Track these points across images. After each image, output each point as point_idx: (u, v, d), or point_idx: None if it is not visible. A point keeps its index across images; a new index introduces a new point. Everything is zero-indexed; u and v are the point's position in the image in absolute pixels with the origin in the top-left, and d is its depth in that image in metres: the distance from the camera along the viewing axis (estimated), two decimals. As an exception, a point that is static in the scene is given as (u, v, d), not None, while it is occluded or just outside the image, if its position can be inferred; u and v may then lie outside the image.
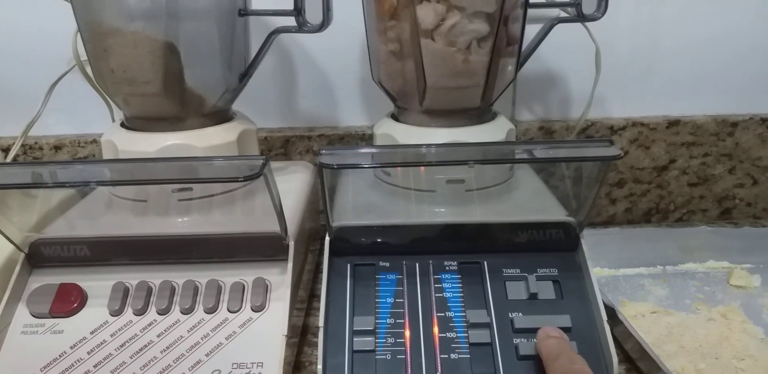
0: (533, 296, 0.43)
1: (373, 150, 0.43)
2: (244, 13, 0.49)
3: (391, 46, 0.48)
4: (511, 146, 0.44)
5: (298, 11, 0.47)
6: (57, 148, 0.67)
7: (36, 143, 0.66)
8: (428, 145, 0.42)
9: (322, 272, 0.45)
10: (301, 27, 0.48)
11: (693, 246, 0.59)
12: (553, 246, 0.46)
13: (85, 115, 0.67)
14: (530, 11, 0.49)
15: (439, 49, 0.46)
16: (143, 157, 0.44)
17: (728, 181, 0.70)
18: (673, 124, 0.67)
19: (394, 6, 0.46)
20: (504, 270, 0.45)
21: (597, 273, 0.57)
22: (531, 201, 0.50)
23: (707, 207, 0.71)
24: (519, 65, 0.51)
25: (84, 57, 0.50)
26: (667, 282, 0.56)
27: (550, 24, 0.53)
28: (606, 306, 0.44)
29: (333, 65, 0.67)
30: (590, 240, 0.46)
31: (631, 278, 0.56)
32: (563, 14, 0.55)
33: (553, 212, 0.48)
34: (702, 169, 0.69)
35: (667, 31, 0.66)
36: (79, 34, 0.49)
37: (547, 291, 0.44)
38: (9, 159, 0.61)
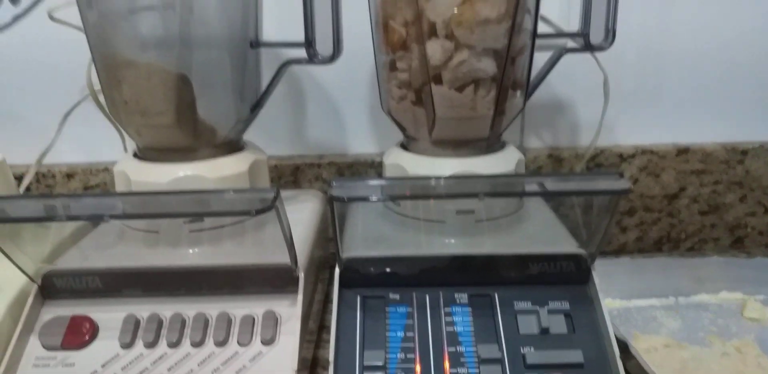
0: (545, 330, 0.43)
1: (383, 182, 0.43)
2: (256, 44, 0.50)
3: (400, 79, 0.49)
4: (521, 178, 0.44)
5: (309, 43, 0.48)
6: (69, 176, 0.67)
7: (49, 171, 0.67)
8: (437, 177, 0.42)
9: (331, 302, 0.45)
10: (312, 59, 0.49)
11: (705, 277, 0.58)
12: (564, 278, 0.46)
13: (98, 142, 0.68)
14: (538, 41, 0.50)
15: (446, 90, 0.46)
16: (155, 189, 0.45)
17: (740, 209, 0.70)
18: (683, 151, 0.67)
19: (403, 39, 0.47)
20: (515, 302, 0.45)
21: (609, 304, 0.56)
22: (541, 232, 0.50)
23: (719, 235, 0.71)
24: (527, 96, 0.52)
25: (98, 86, 0.51)
26: (679, 314, 0.55)
27: (558, 54, 0.53)
28: (618, 340, 0.43)
29: (343, 93, 0.67)
30: (601, 271, 0.46)
31: (644, 309, 0.56)
32: (571, 44, 0.55)
33: (564, 244, 0.48)
34: (713, 197, 0.69)
35: (674, 58, 0.66)
36: (93, 64, 0.50)
37: (558, 325, 0.44)
38: (23, 187, 0.61)
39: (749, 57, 0.66)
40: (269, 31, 0.54)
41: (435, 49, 0.45)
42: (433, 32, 0.45)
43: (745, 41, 0.66)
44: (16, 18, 0.64)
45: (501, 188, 0.42)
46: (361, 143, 0.70)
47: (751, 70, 0.67)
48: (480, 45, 0.45)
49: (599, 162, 0.68)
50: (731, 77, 0.67)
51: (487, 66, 0.46)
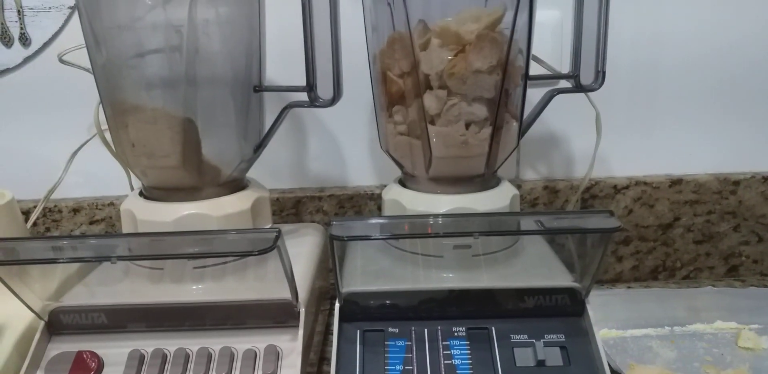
0: (541, 363, 0.44)
1: (382, 220, 0.44)
2: (259, 89, 0.52)
3: (397, 125, 0.51)
4: (515, 216, 0.46)
5: (310, 87, 0.50)
6: (75, 210, 0.69)
7: (55, 206, 0.68)
8: (435, 216, 0.43)
9: (332, 334, 0.46)
10: (313, 102, 0.50)
11: (700, 307, 0.59)
12: (559, 311, 0.47)
13: (104, 177, 0.69)
14: (531, 81, 0.52)
15: (442, 130, 0.48)
16: (161, 228, 0.46)
17: (733, 238, 0.71)
18: (676, 182, 0.69)
19: (402, 92, 0.49)
20: (512, 336, 0.46)
21: (605, 334, 0.57)
22: (537, 266, 0.51)
23: (714, 264, 0.72)
24: (521, 134, 0.53)
25: (105, 126, 0.53)
26: (675, 344, 0.56)
27: (550, 95, 0.55)
28: (613, 371, 0.44)
29: (343, 129, 0.69)
30: (597, 301, 0.47)
31: (639, 339, 0.57)
32: (563, 83, 0.57)
33: (559, 277, 0.49)
34: (707, 226, 0.70)
35: (666, 92, 0.68)
36: (101, 105, 0.51)
37: (554, 357, 0.44)
38: (30, 222, 0.63)
39: (738, 91, 0.68)
40: (272, 74, 0.56)
41: (431, 101, 0.47)
42: (428, 84, 0.48)
43: (734, 77, 0.68)
44: (27, 59, 0.66)
45: (496, 226, 0.44)
46: (360, 176, 0.71)
47: (741, 102, 0.69)
48: (471, 94, 0.47)
49: (594, 193, 0.69)
50: (721, 110, 0.69)
51: (479, 110, 0.48)
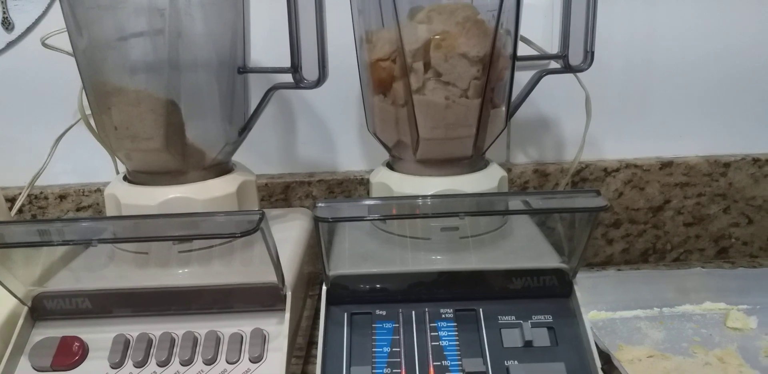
0: (528, 343, 0.44)
1: (368, 202, 0.44)
2: (244, 70, 0.51)
3: (384, 105, 0.50)
4: (502, 197, 0.45)
5: (295, 69, 0.49)
6: (62, 197, 0.68)
7: (41, 193, 0.68)
8: (423, 197, 0.43)
9: (320, 318, 0.46)
10: (298, 84, 0.50)
11: (689, 288, 0.59)
12: (547, 292, 0.47)
13: (90, 163, 0.69)
14: (519, 62, 0.51)
15: (426, 98, 0.48)
16: (145, 212, 0.46)
17: (723, 220, 0.71)
18: (666, 165, 0.69)
19: (389, 76, 0.48)
20: (499, 317, 0.46)
21: (594, 316, 0.57)
22: (525, 247, 0.51)
23: (704, 246, 0.72)
24: (509, 115, 0.53)
25: (89, 111, 0.52)
26: (663, 325, 0.56)
27: (539, 75, 0.54)
28: (601, 352, 0.44)
29: (331, 112, 0.69)
30: (587, 283, 0.47)
31: (628, 321, 0.57)
32: (553, 64, 0.56)
33: (547, 259, 0.49)
34: (697, 209, 0.70)
35: (657, 72, 0.68)
36: (84, 89, 0.51)
37: (542, 338, 0.44)
38: (15, 209, 0.62)
39: (730, 73, 0.68)
40: (256, 56, 0.55)
41: (418, 78, 0.47)
42: (414, 62, 0.47)
43: (726, 57, 0.67)
44: (10, 44, 0.65)
45: (483, 206, 0.43)
46: (350, 161, 0.71)
47: (732, 84, 0.68)
48: (449, 76, 0.47)
49: (584, 176, 0.69)
50: (712, 92, 0.69)
51: (466, 85, 0.47)
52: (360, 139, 0.70)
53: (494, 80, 0.49)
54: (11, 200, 0.65)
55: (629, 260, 0.72)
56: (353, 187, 0.70)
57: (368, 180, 0.67)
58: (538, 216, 0.55)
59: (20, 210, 0.65)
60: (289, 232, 0.57)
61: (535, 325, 0.45)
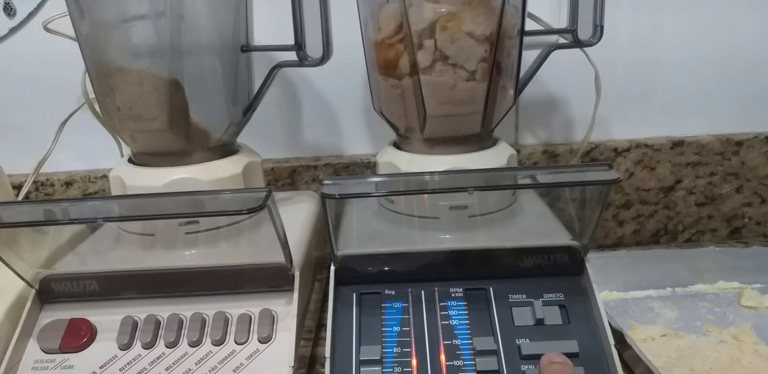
0: (540, 322, 0.43)
1: (375, 179, 0.43)
2: (247, 49, 0.50)
3: (390, 82, 0.49)
4: (511, 172, 0.44)
5: (299, 46, 0.48)
6: (68, 183, 0.68)
7: (48, 180, 0.68)
8: (430, 173, 0.42)
9: (329, 299, 0.45)
10: (302, 61, 0.49)
11: (702, 267, 0.59)
12: (558, 270, 0.46)
13: (96, 150, 0.68)
14: (527, 38, 0.50)
15: (434, 79, 0.47)
16: (150, 192, 0.45)
17: (736, 200, 0.70)
18: (677, 144, 0.68)
19: (398, 55, 0.48)
20: (510, 295, 0.45)
21: (606, 296, 0.56)
22: (535, 225, 0.51)
23: (716, 226, 0.71)
24: (517, 92, 0.52)
25: (93, 95, 0.52)
26: (676, 304, 0.55)
27: (547, 50, 0.53)
28: (614, 330, 0.43)
29: (336, 95, 0.68)
30: (598, 263, 0.46)
31: (640, 301, 0.56)
32: (560, 40, 0.55)
33: (558, 236, 0.48)
34: (709, 188, 0.69)
35: (666, 50, 0.66)
36: (87, 73, 0.50)
37: (553, 316, 0.44)
38: (21, 196, 0.62)
39: (741, 50, 0.66)
40: (260, 35, 0.54)
41: (426, 57, 0.46)
42: (420, 44, 0.47)
43: (737, 35, 0.66)
44: (12, 30, 0.65)
45: (491, 182, 0.43)
46: (356, 144, 0.70)
47: (744, 62, 0.67)
48: (456, 58, 0.46)
49: (594, 156, 0.68)
50: (723, 69, 0.67)
51: (472, 66, 0.46)
52: (366, 122, 0.69)
53: (502, 58, 0.48)
54: (18, 187, 0.65)
55: (640, 241, 0.71)
56: (360, 170, 0.69)
57: (375, 163, 0.66)
58: (548, 194, 0.54)
59: (26, 197, 0.65)
60: (297, 214, 0.56)
61: (546, 303, 0.44)
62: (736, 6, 0.65)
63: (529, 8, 0.50)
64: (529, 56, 0.54)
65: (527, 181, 0.44)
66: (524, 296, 0.45)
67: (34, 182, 0.64)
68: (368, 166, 0.69)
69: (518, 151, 0.67)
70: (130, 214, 0.40)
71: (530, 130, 0.70)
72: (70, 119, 0.61)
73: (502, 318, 0.44)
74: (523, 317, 0.44)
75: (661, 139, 0.68)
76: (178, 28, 0.47)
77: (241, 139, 0.56)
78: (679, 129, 0.69)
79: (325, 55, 0.49)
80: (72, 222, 0.39)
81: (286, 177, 0.69)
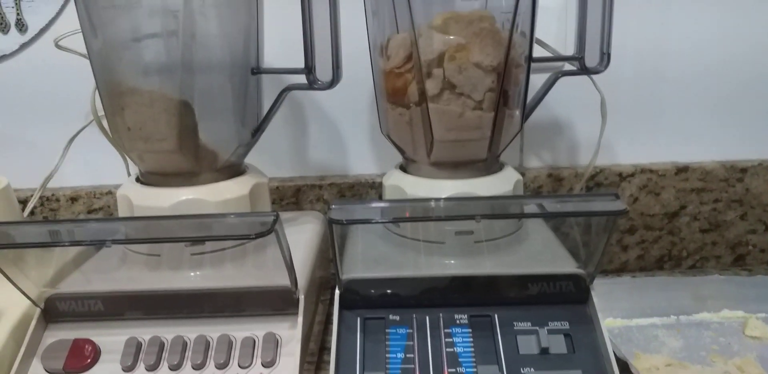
0: (545, 351, 0.43)
1: (382, 204, 0.43)
2: (257, 71, 0.51)
3: (398, 110, 0.50)
4: (518, 200, 0.45)
5: (309, 70, 0.49)
6: (73, 199, 0.68)
7: (53, 195, 0.68)
8: (436, 199, 0.42)
9: (332, 324, 0.45)
10: (312, 85, 0.49)
11: (706, 295, 0.58)
12: (563, 298, 0.46)
13: (101, 166, 0.69)
14: (535, 64, 0.51)
15: (443, 113, 0.48)
16: (158, 213, 0.45)
17: (740, 227, 0.70)
18: (682, 170, 0.68)
19: (407, 84, 0.48)
20: (515, 323, 0.45)
21: (610, 323, 0.56)
22: (540, 252, 0.51)
23: (720, 253, 0.71)
24: (524, 118, 0.52)
25: (101, 112, 0.52)
26: (681, 333, 0.55)
27: (554, 77, 0.54)
28: (618, 360, 0.43)
29: (343, 115, 0.68)
30: (602, 290, 0.46)
31: (645, 329, 0.56)
32: (567, 66, 0.56)
33: (563, 264, 0.48)
34: (713, 215, 0.69)
35: (672, 78, 0.67)
36: (97, 90, 0.51)
37: (558, 345, 0.44)
38: (27, 211, 0.62)
39: (746, 76, 0.67)
40: (270, 57, 0.55)
41: (434, 85, 0.47)
42: (429, 73, 0.47)
43: (741, 60, 0.66)
44: (23, 45, 0.65)
45: (498, 209, 0.43)
46: (361, 164, 0.70)
47: (749, 88, 0.67)
48: (463, 88, 0.46)
49: (599, 181, 0.68)
50: (728, 96, 0.68)
51: (477, 95, 0.47)
52: (371, 142, 0.69)
53: (510, 87, 0.49)
54: (23, 202, 0.65)
55: (644, 267, 0.71)
56: (364, 190, 0.69)
57: (379, 183, 0.66)
58: (554, 221, 0.54)
59: (32, 212, 0.65)
60: (301, 235, 0.56)
61: (551, 332, 0.44)
62: (745, 38, 0.65)
63: (536, 33, 0.51)
64: (536, 79, 0.55)
65: (534, 208, 0.44)
66: (529, 324, 0.45)
67: (39, 197, 0.64)
68: (373, 187, 0.69)
69: (523, 174, 0.68)
70: (139, 237, 0.40)
71: (535, 153, 0.70)
72: (77, 135, 0.61)
73: (506, 346, 0.44)
74: (528, 345, 0.44)
75: (665, 164, 0.69)
76: (189, 48, 0.47)
77: (247, 157, 0.56)
78: (683, 155, 0.69)
79: (335, 78, 0.49)
80: (80, 243, 0.39)
81: (290, 196, 0.69)
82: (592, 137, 0.64)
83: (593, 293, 0.46)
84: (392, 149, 0.56)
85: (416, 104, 0.48)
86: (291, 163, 0.70)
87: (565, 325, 0.45)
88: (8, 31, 0.65)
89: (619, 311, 0.58)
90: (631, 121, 0.68)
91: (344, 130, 0.69)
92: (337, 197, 0.69)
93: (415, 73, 0.47)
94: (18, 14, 0.64)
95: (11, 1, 0.64)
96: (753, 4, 0.65)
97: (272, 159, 0.69)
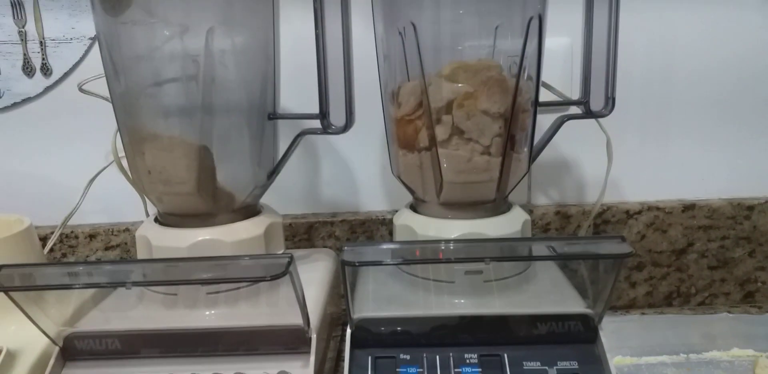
0: (554, 391, 0.44)
1: (393, 246, 0.45)
2: (274, 116, 0.53)
3: (409, 155, 0.52)
4: (527, 242, 0.46)
5: (323, 115, 0.51)
6: (92, 236, 0.70)
7: (72, 232, 0.69)
8: (446, 241, 0.44)
9: (343, 360, 0.46)
10: (326, 129, 0.51)
11: (716, 334, 0.59)
12: (572, 337, 0.47)
13: (119, 203, 0.70)
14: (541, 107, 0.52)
15: (452, 153, 0.49)
16: (175, 253, 0.47)
17: (749, 264, 0.70)
18: (689, 207, 0.69)
19: (417, 131, 0.50)
20: (524, 363, 0.46)
21: (619, 361, 0.56)
22: (549, 291, 0.51)
23: (729, 290, 0.71)
24: (531, 160, 0.54)
25: (121, 153, 0.54)
26: (691, 372, 0.55)
27: (560, 121, 0.55)
28: (628, 401, 0.44)
29: (354, 154, 0.70)
30: (611, 327, 0.47)
31: (654, 367, 0.56)
32: (573, 109, 0.57)
33: (572, 304, 0.49)
34: (721, 252, 0.70)
35: (677, 116, 0.68)
36: (118, 132, 0.52)
37: (567, 385, 0.44)
38: (47, 248, 0.64)
39: (752, 114, 0.69)
40: (286, 100, 0.57)
41: (444, 131, 0.48)
42: (438, 119, 0.49)
43: (748, 98, 0.68)
44: (47, 88, 0.68)
45: (507, 252, 0.44)
46: (372, 201, 0.72)
47: (755, 125, 0.69)
48: (471, 133, 0.48)
49: (606, 218, 0.69)
50: (733, 133, 0.69)
51: (484, 141, 0.48)
52: (382, 179, 0.71)
53: (516, 131, 0.50)
54: (43, 239, 0.67)
55: (653, 303, 0.72)
56: (375, 227, 0.70)
57: (390, 220, 0.68)
58: (561, 261, 0.55)
59: (51, 249, 0.67)
60: (313, 273, 0.57)
61: (560, 372, 0.45)
62: (747, 68, 0.67)
63: (542, 76, 0.52)
64: (542, 119, 0.56)
65: (542, 249, 0.45)
66: (539, 363, 0.46)
67: (59, 234, 0.66)
68: (383, 223, 0.70)
69: (531, 212, 0.69)
70: (157, 278, 0.41)
71: (543, 191, 0.72)
72: (97, 176, 0.63)
73: (516, 386, 0.44)
74: (537, 385, 0.44)
75: (672, 202, 0.69)
76: (209, 93, 0.49)
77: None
78: (690, 192, 0.70)
79: (348, 123, 0.51)
80: (100, 285, 0.41)
81: (303, 232, 0.70)
82: (599, 175, 0.65)
83: (601, 333, 0.46)
84: (402, 187, 0.57)
85: (426, 149, 0.50)
86: (304, 200, 0.72)
87: (574, 365, 0.45)
88: (33, 74, 0.67)
89: (628, 349, 0.58)
90: (637, 159, 0.70)
91: (355, 169, 0.71)
92: (348, 233, 0.70)
93: (425, 119, 0.49)
94: (43, 59, 0.67)
95: (37, 46, 0.67)
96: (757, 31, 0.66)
97: (285, 196, 0.70)
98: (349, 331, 0.47)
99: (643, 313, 0.68)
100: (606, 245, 0.42)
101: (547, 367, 0.45)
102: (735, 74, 0.67)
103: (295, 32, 0.56)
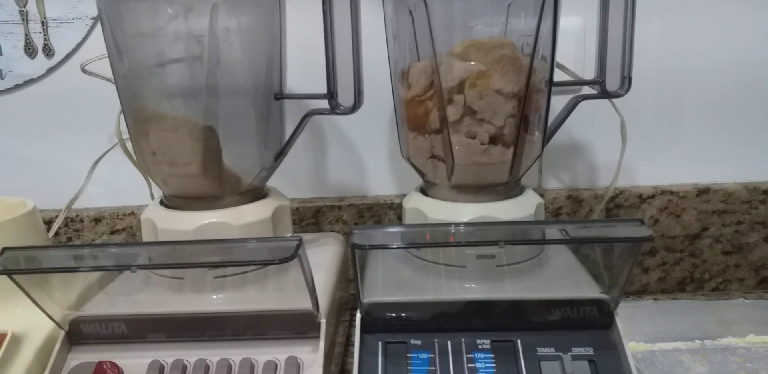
0: (569, 377, 0.43)
1: (403, 229, 0.43)
2: (280, 96, 0.51)
3: (419, 136, 0.50)
4: (541, 225, 0.44)
5: (331, 95, 0.49)
6: (97, 220, 0.69)
7: (77, 216, 0.69)
8: (457, 224, 0.42)
9: (352, 345, 0.45)
10: (334, 110, 0.50)
11: (731, 320, 0.58)
12: (587, 323, 0.46)
13: (124, 187, 0.69)
14: (555, 87, 0.51)
15: (464, 140, 0.48)
16: (181, 236, 0.46)
17: (764, 249, 0.69)
18: (703, 191, 0.67)
19: (428, 112, 0.49)
20: (538, 348, 0.45)
21: (633, 347, 0.56)
22: (563, 276, 0.50)
23: (743, 276, 0.70)
24: (545, 141, 0.53)
25: (126, 135, 0.53)
26: (706, 358, 0.54)
27: (575, 101, 0.54)
28: (644, 387, 0.43)
29: (362, 137, 0.69)
30: (624, 313, 0.46)
31: (669, 353, 0.55)
32: (588, 90, 0.56)
33: (587, 289, 0.48)
34: (736, 237, 0.68)
35: (692, 99, 0.67)
36: (122, 114, 0.51)
37: (582, 371, 0.43)
38: (52, 232, 0.63)
39: (767, 94, 0.67)
40: (292, 82, 0.55)
41: (455, 111, 0.47)
42: (450, 99, 0.47)
43: (764, 81, 0.66)
44: (50, 70, 0.67)
45: (521, 235, 0.43)
46: (380, 185, 0.71)
47: (769, 109, 0.67)
48: (484, 113, 0.47)
49: (619, 203, 0.68)
50: (750, 117, 0.68)
51: (496, 123, 0.47)
52: (391, 163, 0.70)
53: (530, 112, 0.49)
54: (48, 222, 0.66)
55: (666, 289, 0.71)
56: (383, 211, 0.69)
57: (399, 204, 0.67)
58: (576, 245, 0.54)
59: (56, 233, 0.66)
60: (322, 257, 0.57)
61: (575, 358, 0.44)
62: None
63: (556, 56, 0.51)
64: (556, 101, 0.55)
65: (557, 233, 0.43)
66: (553, 349, 0.45)
67: (63, 218, 0.65)
68: (392, 207, 0.69)
69: (542, 195, 0.67)
70: (163, 261, 0.40)
71: (554, 174, 0.70)
72: (101, 158, 0.62)
73: (530, 372, 0.43)
74: (551, 371, 0.43)
75: (686, 186, 0.68)
76: (214, 73, 0.48)
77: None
78: (704, 176, 0.69)
79: (356, 104, 0.50)
80: (105, 268, 0.40)
81: (310, 217, 0.69)
82: (612, 158, 0.64)
83: (617, 318, 0.45)
84: (411, 170, 0.56)
85: (437, 130, 0.49)
86: (311, 184, 0.71)
87: (589, 351, 0.44)
88: (36, 55, 0.66)
89: (642, 335, 0.57)
90: (651, 142, 0.68)
91: (363, 152, 0.70)
92: (356, 218, 0.69)
93: (435, 99, 0.48)
94: (45, 39, 0.66)
95: (39, 26, 0.65)
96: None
97: (292, 180, 0.69)
98: (359, 316, 0.46)
99: (655, 299, 0.67)
100: (624, 228, 0.41)
101: (561, 353, 0.44)
102: (752, 58, 0.66)
103: (302, 10, 0.55)
